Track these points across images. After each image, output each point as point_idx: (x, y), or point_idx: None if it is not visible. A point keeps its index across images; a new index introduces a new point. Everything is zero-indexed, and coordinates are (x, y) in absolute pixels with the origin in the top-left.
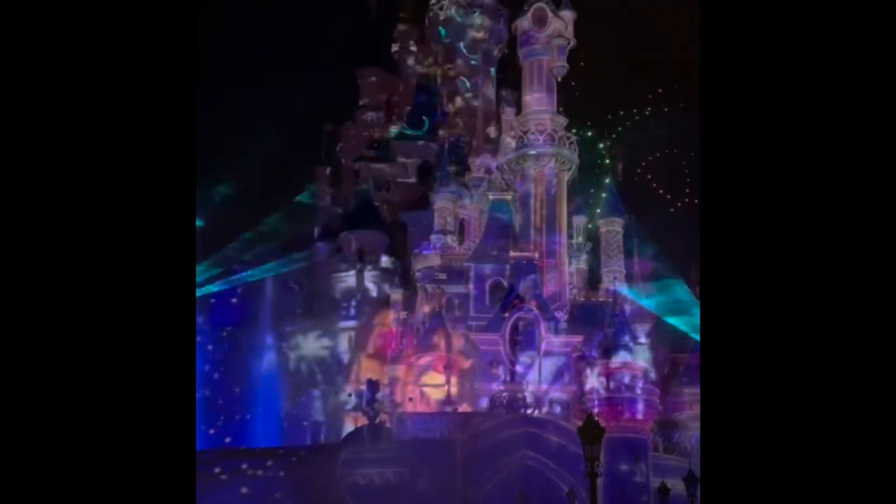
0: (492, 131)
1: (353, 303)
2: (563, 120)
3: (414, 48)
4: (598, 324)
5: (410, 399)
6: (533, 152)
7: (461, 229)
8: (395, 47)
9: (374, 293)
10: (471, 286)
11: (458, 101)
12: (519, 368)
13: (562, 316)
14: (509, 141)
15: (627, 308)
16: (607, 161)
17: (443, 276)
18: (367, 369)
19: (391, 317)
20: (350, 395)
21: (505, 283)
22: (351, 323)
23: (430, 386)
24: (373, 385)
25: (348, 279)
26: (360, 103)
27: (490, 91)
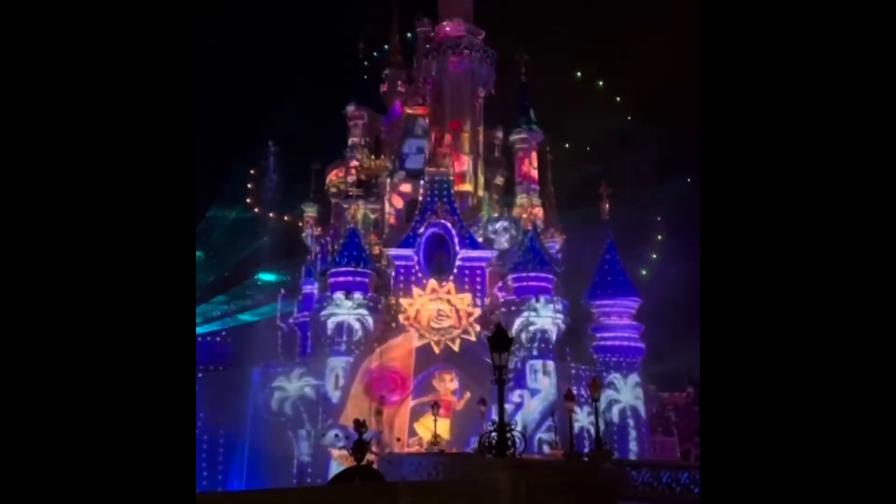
0: (468, 163)
1: (341, 341)
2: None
3: (402, 89)
4: (512, 240)
5: (398, 439)
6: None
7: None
8: (383, 87)
9: (361, 331)
10: (388, 202)
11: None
12: (507, 407)
13: (477, 232)
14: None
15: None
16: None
17: (358, 191)
18: (355, 408)
19: (381, 355)
20: (337, 435)
21: (420, 199)
22: (339, 361)
23: (423, 427)
24: (360, 425)
25: (335, 317)
26: (349, 142)
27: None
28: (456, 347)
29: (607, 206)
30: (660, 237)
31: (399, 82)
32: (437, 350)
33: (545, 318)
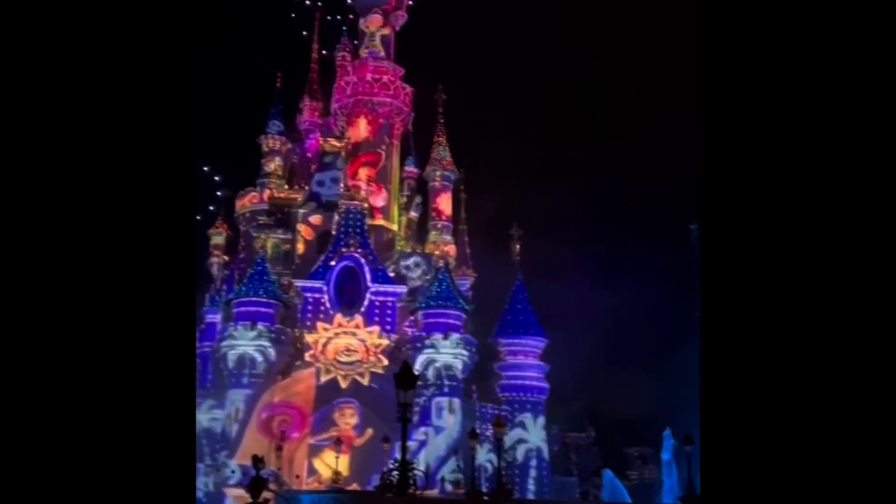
0: (382, 198)
1: (242, 373)
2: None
3: (319, 120)
4: (424, 276)
5: (297, 476)
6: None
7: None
8: (300, 118)
9: (263, 364)
10: (299, 232)
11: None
12: (411, 444)
13: (389, 266)
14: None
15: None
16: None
17: (269, 220)
18: (254, 444)
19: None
20: (234, 470)
21: (333, 231)
22: (239, 394)
23: (321, 462)
24: (258, 461)
25: (237, 349)
26: (262, 171)
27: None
28: (365, 381)
29: (518, 246)
30: (570, 277)
31: (316, 113)
32: (343, 384)
33: (453, 355)
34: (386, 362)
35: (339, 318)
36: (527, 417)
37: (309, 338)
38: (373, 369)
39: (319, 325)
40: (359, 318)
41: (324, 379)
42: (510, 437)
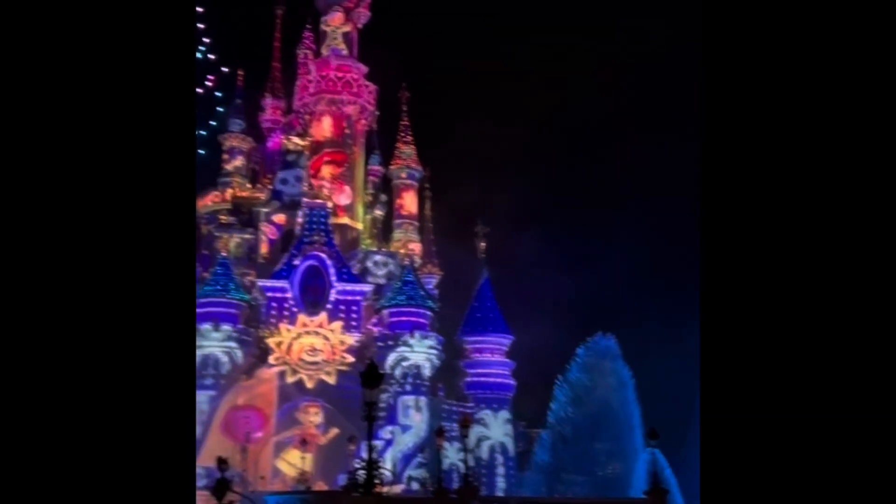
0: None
1: (206, 374)
2: (363, 69)
3: (281, 118)
4: (390, 274)
5: (262, 477)
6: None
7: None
8: (262, 116)
9: (229, 365)
10: (262, 232)
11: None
12: (378, 443)
13: (354, 265)
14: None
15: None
16: None
17: (231, 219)
18: (217, 445)
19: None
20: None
21: (297, 230)
22: (203, 395)
23: (285, 462)
24: (223, 463)
25: (202, 349)
26: (223, 169)
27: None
28: (331, 381)
29: (483, 243)
30: (536, 273)
31: (278, 112)
32: (308, 384)
33: (419, 353)
34: (351, 360)
35: (303, 317)
36: (487, 414)
37: (273, 338)
38: (338, 368)
39: (283, 324)
40: (323, 318)
41: (288, 379)
42: (473, 434)
